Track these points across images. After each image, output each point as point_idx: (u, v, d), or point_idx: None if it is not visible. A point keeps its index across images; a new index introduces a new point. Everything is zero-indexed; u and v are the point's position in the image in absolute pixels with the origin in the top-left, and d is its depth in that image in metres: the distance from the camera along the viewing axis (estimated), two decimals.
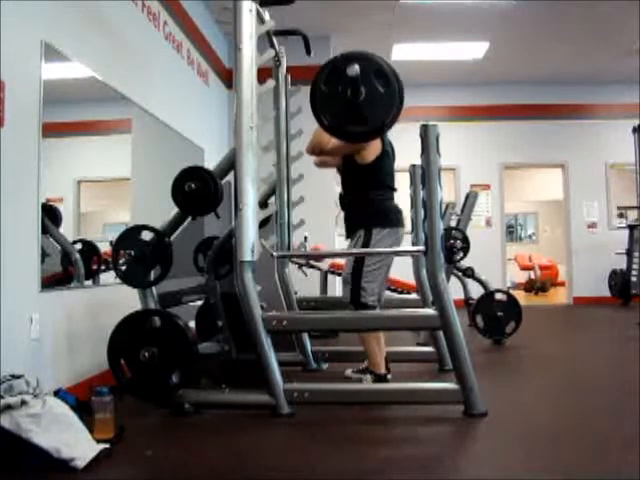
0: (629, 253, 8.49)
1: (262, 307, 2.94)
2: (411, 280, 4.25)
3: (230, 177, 2.96)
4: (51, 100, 3.01)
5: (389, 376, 3.36)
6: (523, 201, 13.97)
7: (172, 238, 3.10)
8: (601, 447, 2.30)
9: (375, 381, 3.31)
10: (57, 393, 2.66)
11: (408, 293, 5.54)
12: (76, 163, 3.69)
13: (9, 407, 2.09)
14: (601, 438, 2.41)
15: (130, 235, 3.07)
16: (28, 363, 2.74)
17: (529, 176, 12.75)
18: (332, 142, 3.31)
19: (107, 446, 2.23)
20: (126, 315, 2.91)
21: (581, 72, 8.62)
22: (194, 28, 5.73)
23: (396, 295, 5.56)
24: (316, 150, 3.50)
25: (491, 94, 9.14)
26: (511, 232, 14.54)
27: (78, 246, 3.49)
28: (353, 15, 6.58)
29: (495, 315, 5.02)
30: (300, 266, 5.69)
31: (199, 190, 2.87)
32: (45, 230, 3.02)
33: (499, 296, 5.16)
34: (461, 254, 5.16)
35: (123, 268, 3.03)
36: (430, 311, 2.92)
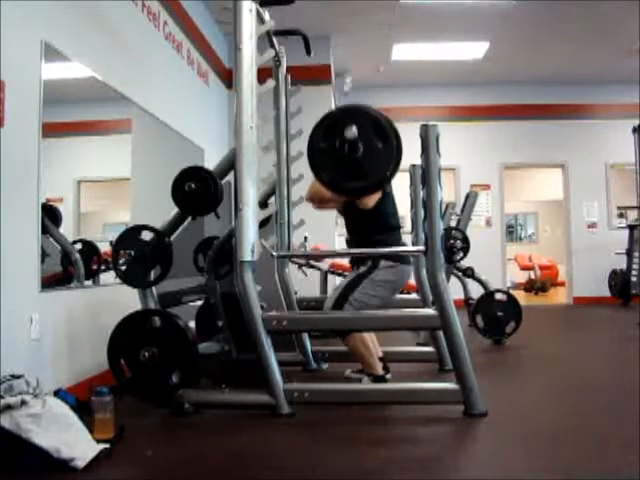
0: (629, 253, 8.49)
1: (262, 307, 2.94)
2: (411, 280, 4.25)
3: (230, 177, 2.96)
4: (51, 100, 3.01)
5: (388, 376, 3.35)
6: (523, 201, 13.98)
7: (172, 238, 3.10)
8: (601, 447, 2.30)
9: (373, 382, 3.30)
10: (57, 393, 2.66)
11: (408, 293, 5.53)
12: (76, 163, 3.69)
13: (9, 407, 2.09)
14: (601, 438, 2.41)
15: (130, 235, 3.07)
16: (28, 363, 2.74)
17: (529, 176, 12.76)
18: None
19: (107, 446, 2.23)
20: (126, 315, 2.91)
21: (581, 72, 8.62)
22: (194, 28, 5.73)
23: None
24: (315, 199, 3.53)
25: (491, 94, 9.15)
26: (511, 232, 14.54)
27: (78, 246, 3.49)
28: (353, 15, 6.57)
29: (495, 315, 5.02)
30: (300, 266, 5.68)
31: (199, 190, 2.87)
32: (45, 230, 3.02)
33: (499, 296, 5.16)
34: (461, 254, 5.17)
35: (123, 268, 3.03)
36: (430, 311, 2.92)
